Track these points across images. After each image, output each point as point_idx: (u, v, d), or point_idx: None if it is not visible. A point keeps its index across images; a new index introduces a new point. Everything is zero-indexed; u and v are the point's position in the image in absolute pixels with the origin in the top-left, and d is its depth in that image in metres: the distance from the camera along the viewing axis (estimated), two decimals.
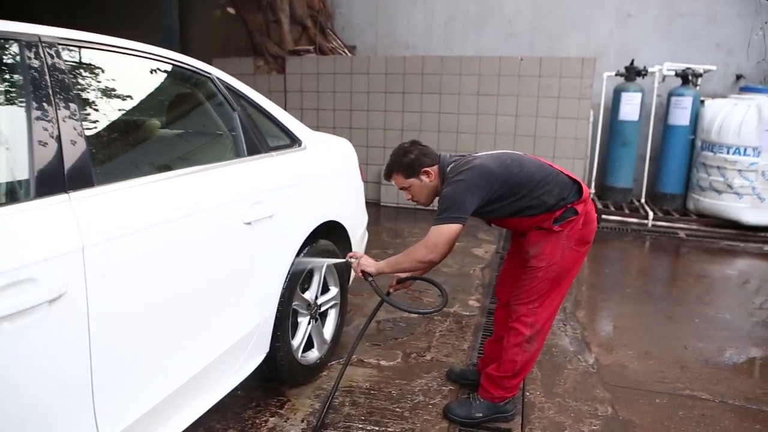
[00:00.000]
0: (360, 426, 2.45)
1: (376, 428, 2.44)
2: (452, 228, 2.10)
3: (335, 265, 2.77)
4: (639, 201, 6.43)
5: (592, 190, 6.51)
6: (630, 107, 6.11)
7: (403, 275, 2.51)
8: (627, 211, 6.16)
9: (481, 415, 2.46)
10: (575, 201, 2.25)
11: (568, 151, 5.92)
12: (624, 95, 6.12)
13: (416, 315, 2.47)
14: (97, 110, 1.74)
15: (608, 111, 6.42)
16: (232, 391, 2.42)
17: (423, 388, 2.76)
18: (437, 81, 6.20)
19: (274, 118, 2.60)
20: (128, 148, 1.97)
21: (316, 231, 2.63)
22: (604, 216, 6.10)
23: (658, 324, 3.60)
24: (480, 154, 2.32)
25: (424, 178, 2.29)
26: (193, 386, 1.94)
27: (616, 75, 6.21)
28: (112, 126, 1.84)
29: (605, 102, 6.37)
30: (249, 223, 2.14)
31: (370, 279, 2.40)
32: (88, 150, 1.55)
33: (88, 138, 1.58)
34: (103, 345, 1.51)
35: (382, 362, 3.01)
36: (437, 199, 2.30)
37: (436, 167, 2.30)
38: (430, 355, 3.10)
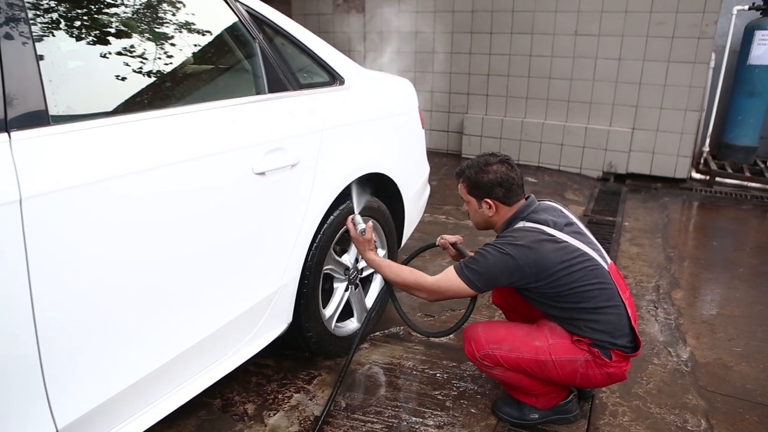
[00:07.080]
0: (393, 413, 2.12)
1: (412, 418, 2.09)
2: (465, 291, 1.89)
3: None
4: (765, 163, 5.47)
5: (707, 148, 5.62)
6: (765, 49, 5.09)
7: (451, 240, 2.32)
8: (748, 174, 5.27)
9: (537, 416, 2.05)
10: (622, 351, 1.87)
11: (679, 101, 5.07)
12: (758, 33, 5.10)
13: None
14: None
15: (735, 54, 5.42)
16: (260, 360, 2.14)
17: (473, 374, 2.37)
18: (529, 19, 5.48)
19: (310, 50, 2.20)
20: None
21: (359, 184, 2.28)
22: (718, 179, 5.25)
23: None
24: (559, 222, 1.90)
25: (483, 206, 1.99)
26: (181, 365, 1.67)
27: (750, 9, 5.18)
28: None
29: (732, 43, 5.38)
30: (262, 174, 1.80)
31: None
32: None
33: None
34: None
35: (432, 338, 2.65)
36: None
37: (504, 207, 1.97)
38: None
